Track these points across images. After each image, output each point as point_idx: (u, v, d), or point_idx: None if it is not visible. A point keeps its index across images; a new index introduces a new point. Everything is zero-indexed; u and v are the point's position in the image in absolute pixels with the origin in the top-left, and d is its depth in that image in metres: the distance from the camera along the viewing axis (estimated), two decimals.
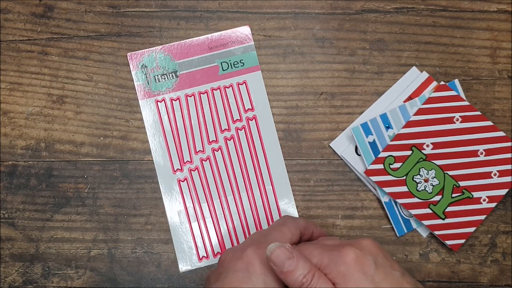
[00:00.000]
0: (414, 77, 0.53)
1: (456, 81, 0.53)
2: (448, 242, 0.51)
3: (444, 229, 0.51)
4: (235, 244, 0.52)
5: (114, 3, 0.54)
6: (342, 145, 0.53)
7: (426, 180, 0.51)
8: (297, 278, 0.38)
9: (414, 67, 0.53)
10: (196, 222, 0.52)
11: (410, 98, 0.53)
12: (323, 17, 0.54)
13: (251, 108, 0.53)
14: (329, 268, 0.38)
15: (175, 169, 0.52)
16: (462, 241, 0.51)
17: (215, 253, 0.52)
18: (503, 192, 0.51)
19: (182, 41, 0.53)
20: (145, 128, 0.53)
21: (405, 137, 0.51)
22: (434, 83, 0.53)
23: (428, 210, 0.51)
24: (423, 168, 0.51)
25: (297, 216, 0.52)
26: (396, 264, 0.40)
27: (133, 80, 0.53)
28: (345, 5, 0.54)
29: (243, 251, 0.41)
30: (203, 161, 0.52)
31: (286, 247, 0.39)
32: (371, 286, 0.37)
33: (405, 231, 0.52)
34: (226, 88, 0.53)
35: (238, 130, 0.53)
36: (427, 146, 0.51)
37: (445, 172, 0.51)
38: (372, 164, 0.51)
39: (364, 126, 0.52)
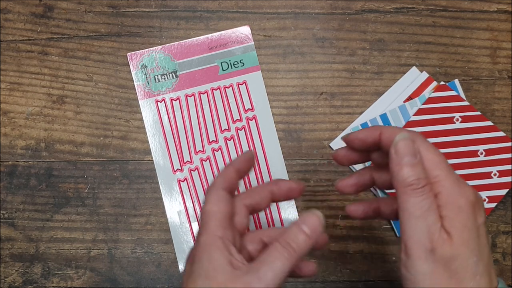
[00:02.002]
0: (414, 77, 0.53)
1: (456, 81, 0.53)
2: None
3: None
4: None
5: (114, 3, 0.54)
6: (342, 145, 0.53)
7: None
8: (410, 177, 0.35)
9: (414, 67, 0.54)
10: (196, 222, 0.52)
11: (410, 98, 0.53)
12: (323, 17, 0.54)
13: (251, 108, 0.53)
14: (448, 191, 0.36)
15: (175, 169, 0.52)
16: None
17: None
18: (503, 192, 0.51)
19: (182, 41, 0.53)
20: (145, 128, 0.53)
21: None
22: (434, 83, 0.53)
23: None
24: None
25: (297, 216, 0.52)
26: None
27: (133, 80, 0.53)
28: (345, 5, 0.54)
29: None
30: (203, 161, 0.52)
31: (416, 145, 0.36)
32: (476, 233, 0.35)
33: None
34: (226, 88, 0.53)
35: (238, 130, 0.53)
36: None
37: None
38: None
39: (364, 126, 0.52)
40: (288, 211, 0.52)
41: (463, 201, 0.36)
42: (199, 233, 0.38)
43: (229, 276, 0.35)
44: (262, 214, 0.52)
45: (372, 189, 0.52)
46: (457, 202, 0.36)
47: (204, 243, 0.37)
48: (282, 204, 0.52)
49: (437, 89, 0.52)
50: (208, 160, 0.52)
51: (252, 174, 0.52)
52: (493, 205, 0.51)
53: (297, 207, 0.52)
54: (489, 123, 0.52)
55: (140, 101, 0.53)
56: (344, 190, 0.43)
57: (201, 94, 0.53)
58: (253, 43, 0.53)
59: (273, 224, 0.52)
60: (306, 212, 0.37)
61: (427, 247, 0.34)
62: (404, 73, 0.53)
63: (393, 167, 0.36)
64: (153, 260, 0.52)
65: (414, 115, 0.52)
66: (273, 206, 0.52)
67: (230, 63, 0.53)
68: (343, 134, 0.53)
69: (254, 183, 0.52)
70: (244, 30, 0.54)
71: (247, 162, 0.42)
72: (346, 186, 0.43)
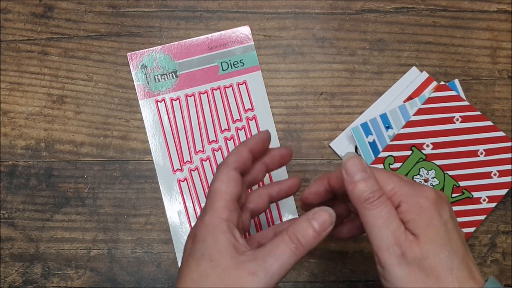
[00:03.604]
0: (414, 77, 0.53)
1: (456, 81, 0.53)
2: None
3: None
4: None
5: (114, 3, 0.54)
6: (342, 145, 0.53)
7: (426, 180, 0.51)
8: (364, 192, 0.36)
9: (414, 67, 0.54)
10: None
11: (410, 98, 0.53)
12: (323, 17, 0.54)
13: (251, 108, 0.53)
14: (407, 197, 0.37)
15: (175, 169, 0.52)
16: None
17: None
18: (503, 192, 0.51)
19: (182, 41, 0.53)
20: (145, 128, 0.53)
21: (405, 137, 0.51)
22: (434, 83, 0.53)
23: None
24: (423, 168, 0.51)
25: (298, 215, 0.52)
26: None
27: (133, 80, 0.53)
28: (345, 5, 0.54)
29: None
30: (203, 161, 0.52)
31: (364, 161, 0.37)
32: (444, 228, 0.36)
33: None
34: (226, 88, 0.53)
35: (238, 130, 0.53)
36: (427, 146, 0.51)
37: (445, 172, 0.51)
38: (372, 164, 0.51)
39: (364, 126, 0.52)
40: (288, 211, 0.52)
41: (423, 201, 0.36)
42: (205, 211, 0.38)
43: (234, 261, 0.35)
44: (262, 215, 0.52)
45: None
46: (417, 203, 0.36)
47: (209, 223, 0.37)
48: (282, 204, 0.52)
49: (437, 89, 0.52)
50: (208, 160, 0.52)
51: None
52: (493, 205, 0.51)
53: (297, 207, 0.52)
54: (489, 123, 0.52)
55: (140, 101, 0.53)
56: (307, 200, 0.42)
57: (201, 94, 0.53)
58: (253, 43, 0.53)
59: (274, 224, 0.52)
60: (319, 208, 0.37)
61: (397, 253, 0.35)
62: (404, 73, 0.53)
63: (347, 187, 0.37)
64: (153, 260, 0.52)
65: (414, 115, 0.52)
66: (273, 206, 0.52)
67: (230, 63, 0.53)
68: (343, 134, 0.53)
69: None
70: (244, 30, 0.54)
71: (263, 143, 0.41)
72: (309, 195, 0.42)
